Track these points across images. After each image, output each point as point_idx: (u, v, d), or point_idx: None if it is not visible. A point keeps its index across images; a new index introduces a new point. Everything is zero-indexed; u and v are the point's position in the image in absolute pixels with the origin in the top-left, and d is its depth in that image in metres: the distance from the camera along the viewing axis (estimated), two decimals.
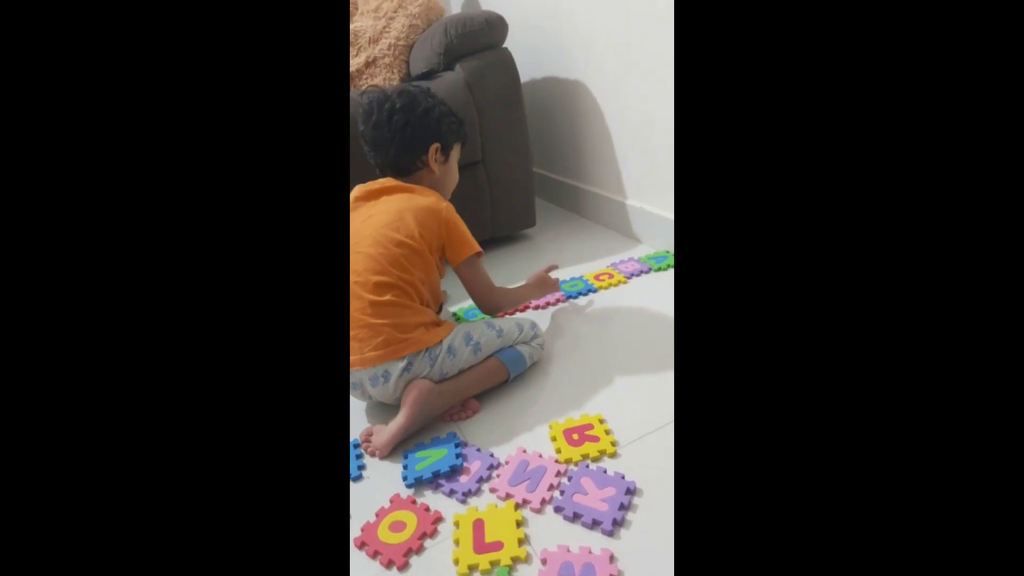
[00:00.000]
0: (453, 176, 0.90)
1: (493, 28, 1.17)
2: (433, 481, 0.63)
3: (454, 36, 1.16)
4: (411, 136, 0.82)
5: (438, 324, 0.77)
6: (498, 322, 0.81)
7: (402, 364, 0.71)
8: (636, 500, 0.57)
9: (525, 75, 1.40)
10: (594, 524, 0.55)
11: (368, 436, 0.70)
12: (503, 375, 0.78)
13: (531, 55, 1.43)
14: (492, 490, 0.61)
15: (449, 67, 1.20)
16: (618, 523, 0.55)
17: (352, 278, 0.73)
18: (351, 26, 1.35)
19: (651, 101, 1.08)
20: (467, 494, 0.61)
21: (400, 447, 0.70)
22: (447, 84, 1.15)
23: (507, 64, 1.20)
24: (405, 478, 0.64)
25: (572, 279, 1.10)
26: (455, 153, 0.89)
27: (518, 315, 0.97)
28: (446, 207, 0.80)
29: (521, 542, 0.54)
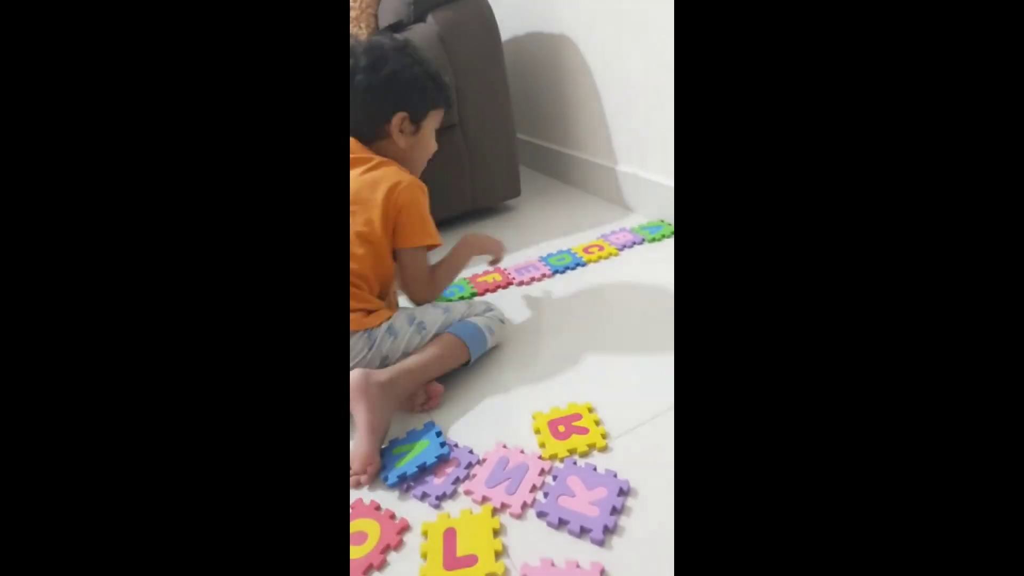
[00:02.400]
0: (426, 149, 0.77)
1: None
2: (419, 477, 0.56)
3: None
4: (371, 102, 0.70)
5: (379, 308, 0.69)
6: (441, 303, 0.74)
7: None
8: (630, 502, 0.50)
9: (506, 31, 1.28)
10: (582, 532, 0.48)
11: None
12: (462, 354, 0.68)
13: (512, 7, 1.31)
14: (467, 492, 0.54)
15: (420, 19, 1.08)
16: (609, 530, 0.48)
17: None
18: None
19: (644, 59, 0.98)
20: (440, 498, 0.54)
21: None
22: (418, 38, 1.03)
23: (485, 16, 1.09)
24: (386, 479, 0.56)
25: (560, 252, 1.02)
26: (431, 121, 0.76)
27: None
28: (405, 187, 0.69)
29: (498, 555, 0.47)
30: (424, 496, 0.54)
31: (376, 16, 1.19)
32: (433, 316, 0.70)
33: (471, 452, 0.59)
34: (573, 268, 0.97)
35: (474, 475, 0.55)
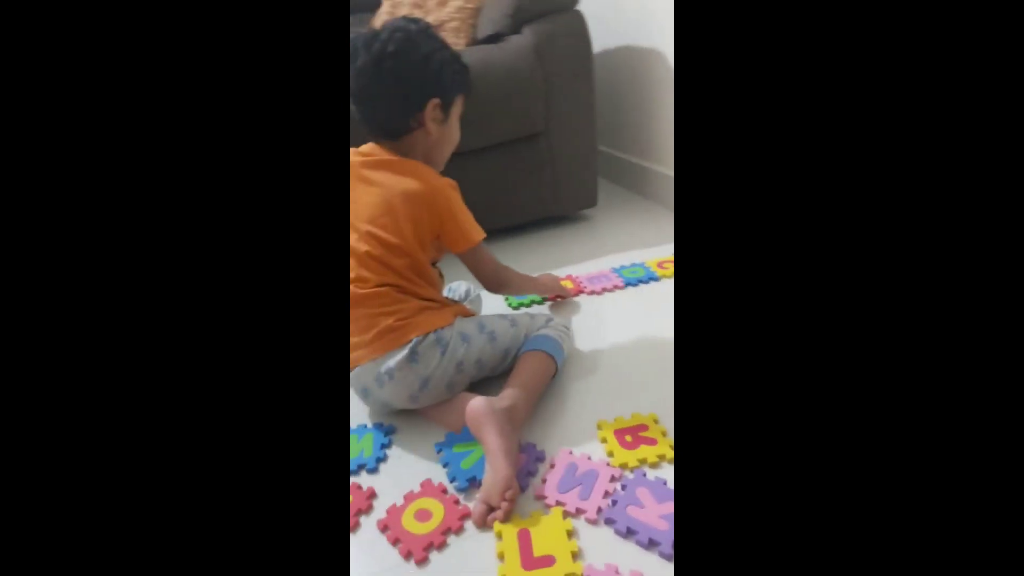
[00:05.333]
0: (453, 136, 0.71)
1: None
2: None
3: None
4: (406, 89, 0.63)
5: (444, 305, 0.68)
6: (508, 313, 0.73)
7: (403, 353, 0.61)
8: None
9: (597, 43, 1.29)
10: (651, 544, 0.47)
11: (483, 506, 0.52)
12: (551, 368, 0.68)
13: (605, 20, 1.32)
14: (539, 497, 0.54)
15: (516, 30, 1.12)
16: None
17: None
18: None
19: None
20: None
21: (430, 439, 0.63)
22: (513, 49, 1.07)
23: (579, 29, 1.10)
24: (453, 478, 0.56)
25: (633, 265, 1.01)
26: (457, 108, 0.70)
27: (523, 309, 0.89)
28: (442, 190, 0.65)
29: (575, 556, 0.47)
30: None
31: (474, 27, 1.24)
32: (502, 327, 0.69)
33: (535, 447, 0.59)
34: (646, 282, 0.95)
35: (544, 480, 0.55)
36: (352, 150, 0.67)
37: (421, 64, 0.63)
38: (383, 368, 0.62)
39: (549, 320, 0.74)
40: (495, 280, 0.74)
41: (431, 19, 1.26)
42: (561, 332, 0.72)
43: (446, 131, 0.69)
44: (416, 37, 0.63)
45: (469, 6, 1.23)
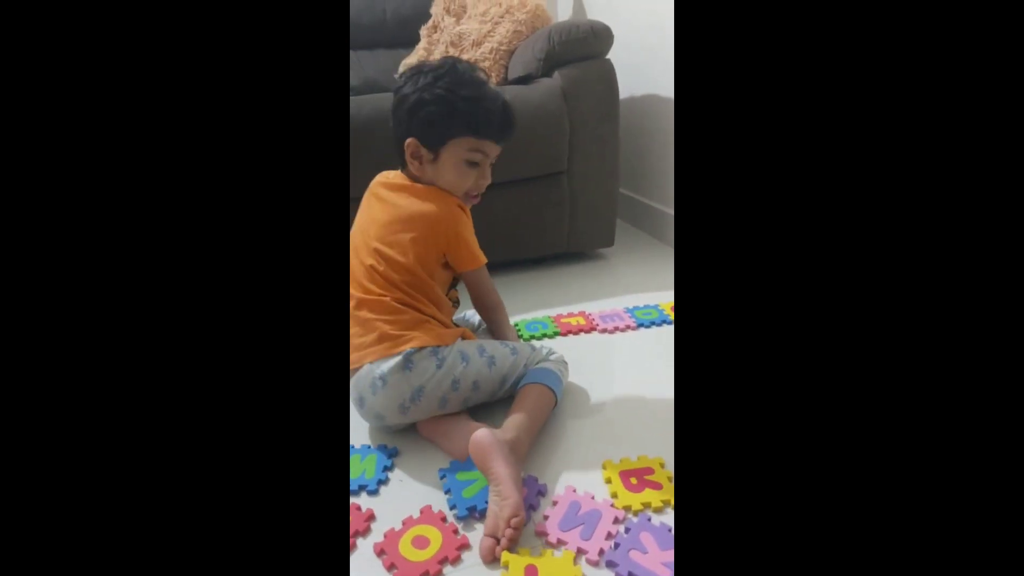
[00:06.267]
0: (447, 175, 0.69)
1: (598, 37, 1.13)
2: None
3: (556, 43, 1.13)
4: (394, 127, 0.71)
5: (445, 325, 0.69)
6: (509, 342, 0.74)
7: (397, 359, 0.62)
8: None
9: (625, 90, 1.34)
10: None
11: (490, 541, 0.51)
12: (551, 400, 0.68)
13: (634, 70, 1.37)
14: (540, 533, 0.53)
15: (547, 74, 1.16)
16: None
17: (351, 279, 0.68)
18: (457, 29, 1.37)
19: None
20: None
21: (432, 464, 0.63)
22: (543, 90, 1.11)
23: (607, 76, 1.15)
24: (454, 506, 0.56)
25: (646, 307, 1.01)
26: (456, 149, 0.68)
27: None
28: (450, 212, 0.68)
29: None
30: None
31: (507, 68, 1.30)
32: (502, 354, 0.70)
33: (536, 480, 0.59)
34: (659, 324, 0.95)
35: (545, 517, 0.54)
36: (380, 174, 0.74)
37: (396, 106, 0.70)
38: (377, 372, 0.63)
39: (550, 353, 0.75)
40: (491, 301, 0.78)
41: (466, 58, 1.33)
42: (561, 366, 0.73)
43: (439, 170, 0.69)
44: (403, 81, 0.70)
45: (503, 48, 1.29)
